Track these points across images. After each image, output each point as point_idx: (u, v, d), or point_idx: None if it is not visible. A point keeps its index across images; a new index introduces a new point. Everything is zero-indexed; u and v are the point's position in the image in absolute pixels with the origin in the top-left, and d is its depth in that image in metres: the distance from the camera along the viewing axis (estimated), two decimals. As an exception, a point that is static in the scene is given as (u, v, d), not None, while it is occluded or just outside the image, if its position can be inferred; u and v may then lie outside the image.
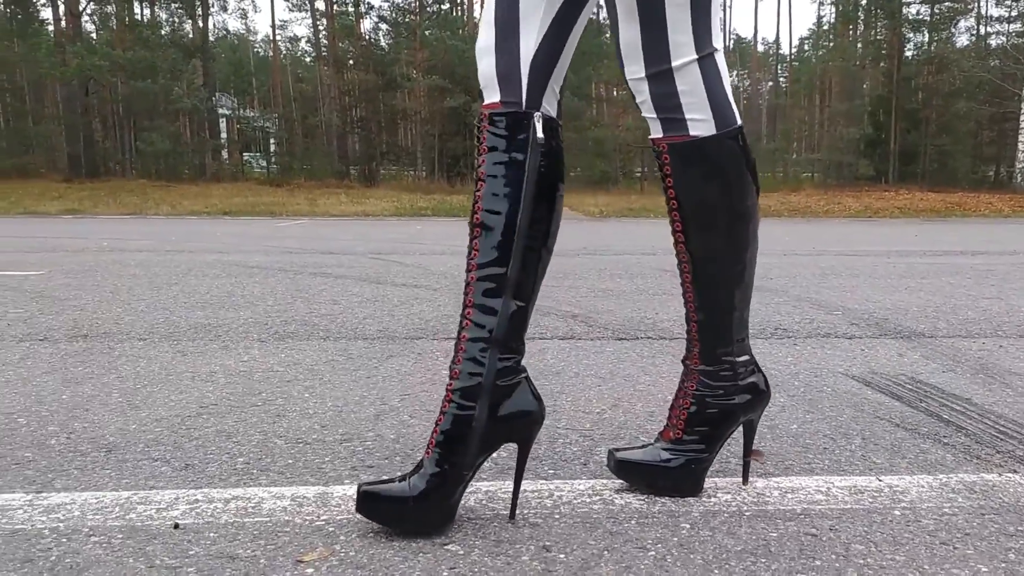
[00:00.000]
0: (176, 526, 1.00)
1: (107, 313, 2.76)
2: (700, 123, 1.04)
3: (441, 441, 0.98)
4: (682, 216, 1.07)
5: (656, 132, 1.07)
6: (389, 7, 27.06)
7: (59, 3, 23.55)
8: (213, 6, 30.26)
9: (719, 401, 1.11)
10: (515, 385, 1.00)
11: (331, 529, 1.00)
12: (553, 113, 1.04)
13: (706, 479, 1.12)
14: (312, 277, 4.03)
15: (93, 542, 0.96)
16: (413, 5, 26.70)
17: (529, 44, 1.00)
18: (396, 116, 26.86)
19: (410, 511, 0.96)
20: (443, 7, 27.87)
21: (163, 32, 24.75)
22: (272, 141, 28.56)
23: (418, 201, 16.93)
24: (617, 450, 1.14)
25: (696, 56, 1.02)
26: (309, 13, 29.04)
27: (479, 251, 0.99)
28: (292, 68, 32.85)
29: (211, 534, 0.98)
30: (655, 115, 1.06)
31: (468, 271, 1.00)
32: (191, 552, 0.93)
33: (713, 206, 1.05)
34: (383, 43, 27.19)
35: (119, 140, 25.24)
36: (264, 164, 27.55)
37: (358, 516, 1.03)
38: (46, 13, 26.99)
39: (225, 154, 26.82)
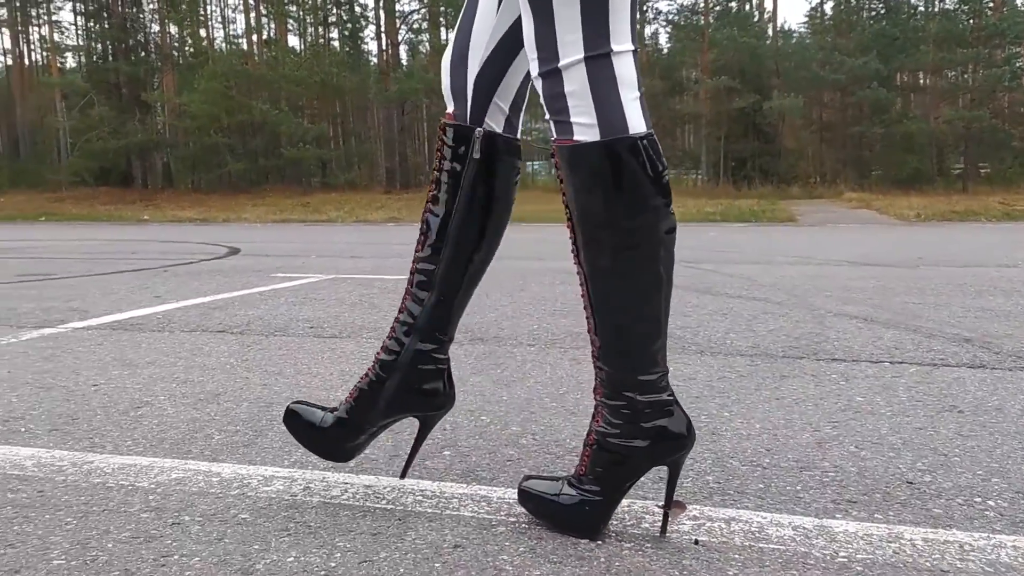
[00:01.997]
0: (696, 542, 1.04)
1: (483, 317, 3.05)
2: (585, 128, 0.98)
3: None
4: (572, 225, 1.03)
5: (552, 134, 1.03)
6: (676, 9, 26.96)
7: (383, 35, 27.00)
8: (507, 26, 32.49)
9: (617, 443, 1.03)
10: None
11: (858, 568, 0.97)
12: (499, 129, 1.12)
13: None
14: (642, 286, 4.09)
15: (628, 548, 1.03)
16: (700, 6, 26.25)
17: (474, 65, 1.10)
18: (676, 119, 26.63)
19: None
20: (731, 4, 27.02)
21: (464, 55, 27.18)
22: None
23: (704, 206, 16.59)
24: (528, 477, 1.12)
25: (583, 56, 0.97)
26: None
27: (420, 246, 1.14)
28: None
29: (735, 556, 1.00)
30: (548, 116, 1.02)
31: (413, 262, 1.16)
32: (729, 572, 0.96)
33: (595, 219, 0.99)
34: (664, 47, 27.09)
35: (426, 155, 28.29)
36: (543, 173, 29.00)
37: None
38: (371, 46, 31.11)
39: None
